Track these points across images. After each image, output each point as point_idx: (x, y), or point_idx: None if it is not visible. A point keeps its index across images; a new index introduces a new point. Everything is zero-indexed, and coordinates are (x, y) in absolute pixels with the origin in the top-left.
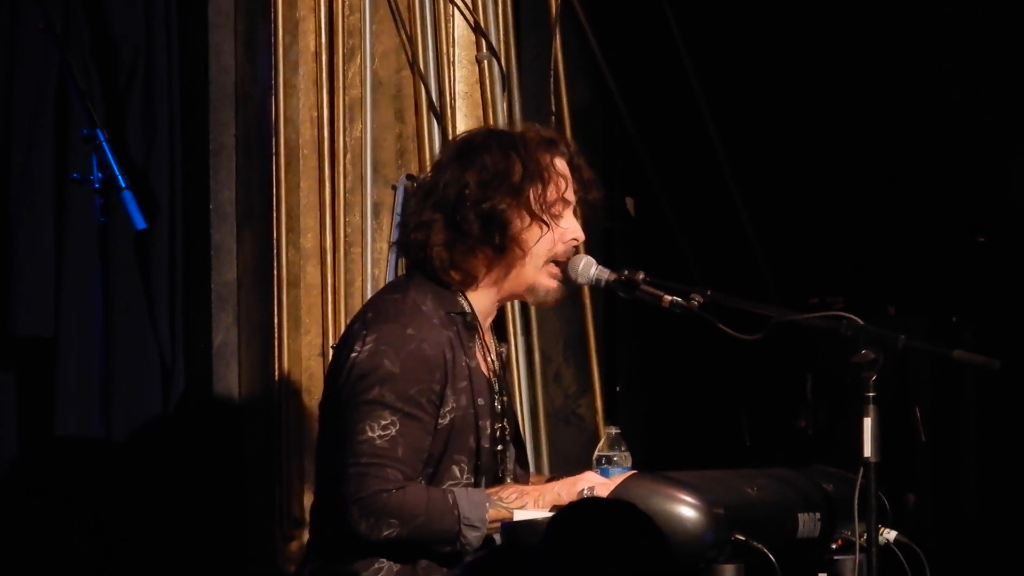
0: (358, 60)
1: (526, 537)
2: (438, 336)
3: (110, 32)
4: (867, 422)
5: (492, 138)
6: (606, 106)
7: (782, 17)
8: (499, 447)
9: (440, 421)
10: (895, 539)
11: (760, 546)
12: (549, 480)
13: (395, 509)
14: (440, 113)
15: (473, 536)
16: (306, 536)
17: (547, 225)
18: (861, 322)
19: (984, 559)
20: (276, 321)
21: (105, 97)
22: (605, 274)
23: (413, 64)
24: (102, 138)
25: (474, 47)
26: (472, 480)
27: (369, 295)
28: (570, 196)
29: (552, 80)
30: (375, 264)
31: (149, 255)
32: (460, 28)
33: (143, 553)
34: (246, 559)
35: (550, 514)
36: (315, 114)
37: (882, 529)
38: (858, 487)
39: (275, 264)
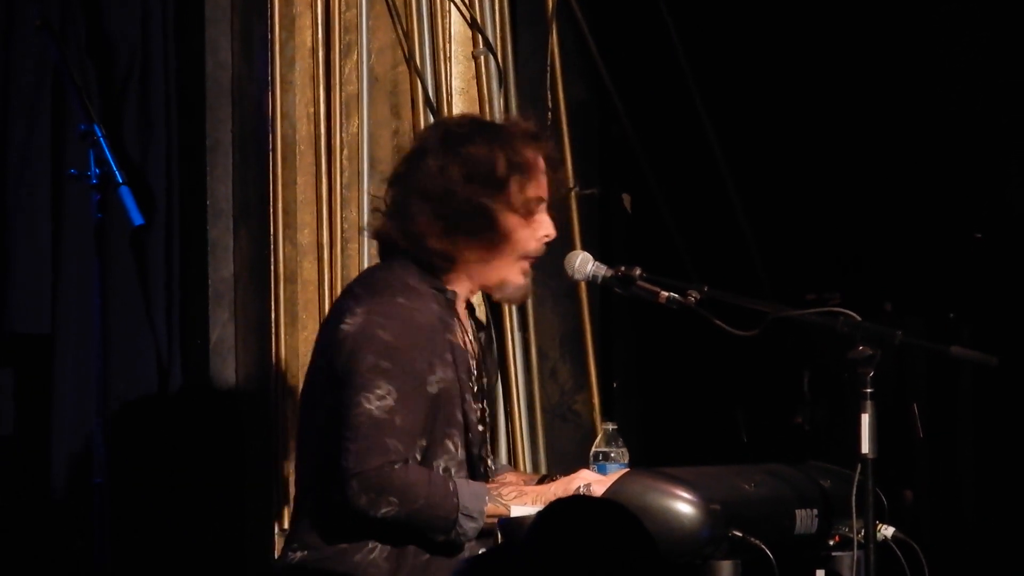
0: (354, 56)
1: (518, 533)
2: (428, 306)
3: (107, 28)
4: (864, 418)
5: (476, 128)
6: (602, 102)
7: (779, 14)
8: (480, 428)
9: (430, 390)
10: (892, 535)
11: (757, 542)
12: (542, 479)
13: (397, 487)
14: (436, 109)
15: (469, 527)
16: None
17: (524, 220)
18: (858, 318)
19: (981, 555)
20: (273, 317)
21: (102, 93)
22: (602, 270)
23: (409, 60)
24: (99, 134)
25: (470, 43)
26: (464, 456)
27: None
28: (544, 192)
29: (549, 76)
30: (371, 260)
31: (146, 251)
32: (456, 24)
33: (141, 549)
34: (244, 554)
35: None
36: (312, 110)
37: (879, 525)
38: (855, 483)
39: (272, 260)
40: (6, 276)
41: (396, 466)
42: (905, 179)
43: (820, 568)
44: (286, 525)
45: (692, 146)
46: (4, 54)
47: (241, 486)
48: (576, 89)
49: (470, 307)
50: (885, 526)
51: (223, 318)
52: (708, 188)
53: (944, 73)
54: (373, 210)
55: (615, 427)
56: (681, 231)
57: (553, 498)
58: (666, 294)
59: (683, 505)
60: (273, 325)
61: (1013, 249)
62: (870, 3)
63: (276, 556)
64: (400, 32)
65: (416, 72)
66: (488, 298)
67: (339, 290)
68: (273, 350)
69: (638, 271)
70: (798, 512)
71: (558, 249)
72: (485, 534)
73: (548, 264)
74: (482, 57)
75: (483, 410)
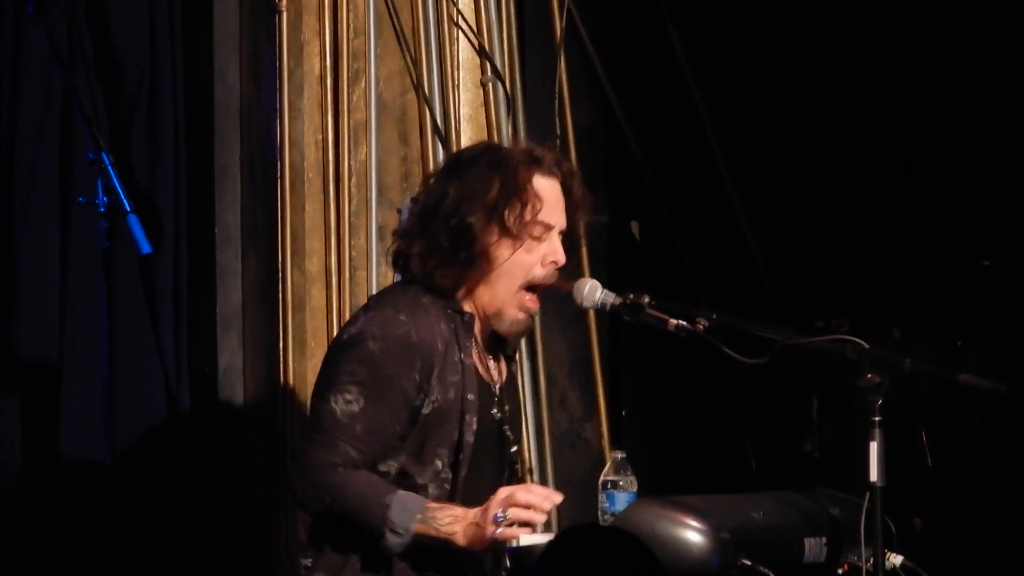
0: (363, 83)
1: (528, 562)
2: (432, 326)
3: (115, 55)
4: (873, 446)
5: (482, 154)
6: (611, 128)
7: (786, 38)
8: (512, 448)
9: (422, 411)
10: (901, 564)
11: (766, 570)
12: None
13: (330, 486)
14: (445, 136)
15: (395, 541)
16: (309, 560)
17: (519, 244)
18: (867, 345)
19: None
20: (281, 344)
21: (110, 120)
22: (610, 298)
23: (418, 87)
24: (107, 162)
25: (478, 70)
26: (450, 475)
27: None
28: (550, 218)
29: (557, 103)
30: (380, 287)
31: (154, 279)
32: (464, 51)
33: (148, 572)
34: None
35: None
36: (320, 137)
37: (888, 554)
38: (864, 511)
39: (280, 287)
40: (14, 302)
41: (338, 468)
42: (913, 206)
43: None
44: (291, 554)
45: (701, 172)
46: (13, 81)
47: (248, 512)
48: (584, 115)
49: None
50: (894, 554)
51: (231, 345)
52: (717, 214)
53: (954, 99)
54: (391, 231)
55: (624, 455)
56: (690, 257)
57: (475, 529)
58: (675, 322)
59: (692, 533)
60: (281, 352)
61: (1021, 276)
62: (881, 25)
63: None
64: (408, 59)
65: (424, 99)
66: None
67: (347, 317)
68: (281, 377)
69: (647, 299)
70: (807, 540)
71: (567, 276)
72: (493, 560)
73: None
74: (490, 84)
75: (508, 432)
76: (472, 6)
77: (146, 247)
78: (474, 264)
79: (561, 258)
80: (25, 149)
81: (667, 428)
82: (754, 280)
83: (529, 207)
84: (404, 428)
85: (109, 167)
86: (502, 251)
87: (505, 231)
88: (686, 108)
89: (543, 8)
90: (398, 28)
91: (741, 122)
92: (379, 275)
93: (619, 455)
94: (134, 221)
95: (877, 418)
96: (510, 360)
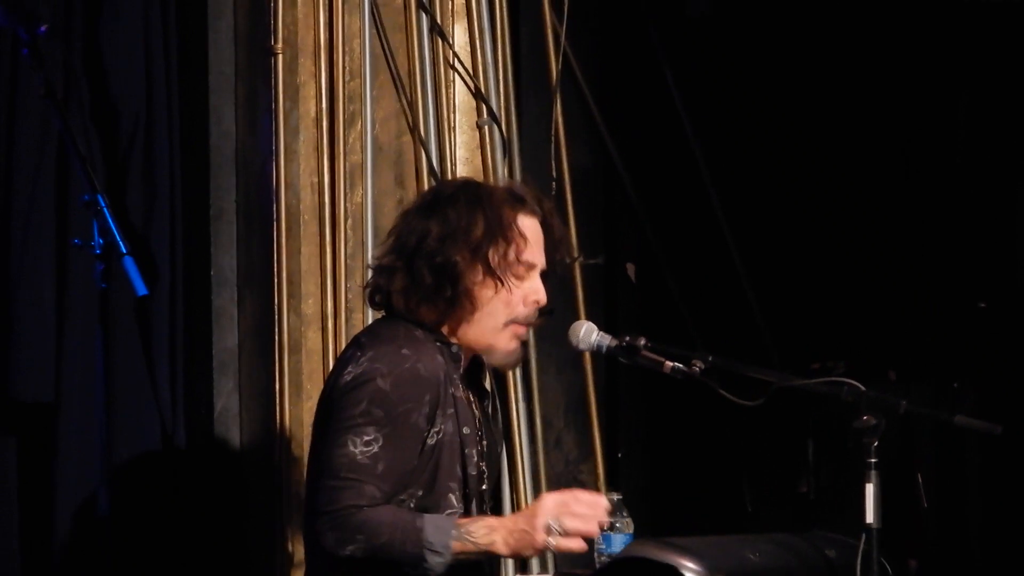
0: (359, 126)
1: None
2: (433, 359)
3: (111, 97)
4: (869, 487)
5: (462, 191)
6: (607, 171)
7: (781, 81)
8: (483, 486)
9: (428, 442)
10: None
11: None
12: None
13: (360, 525)
14: (441, 178)
15: (436, 561)
16: None
17: (503, 284)
18: (863, 388)
19: None
20: (277, 387)
21: (106, 162)
22: (606, 340)
23: (414, 129)
24: (103, 204)
25: (475, 112)
26: (462, 508)
27: None
28: (534, 258)
29: (553, 145)
30: None
31: (150, 321)
32: (461, 93)
33: None
34: None
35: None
36: (316, 179)
37: None
38: (860, 553)
39: (276, 330)
40: (10, 344)
41: (364, 508)
42: (910, 248)
43: None
44: None
45: (697, 214)
46: (8, 123)
47: (245, 554)
48: (580, 158)
49: (477, 372)
50: None
51: (227, 387)
52: (713, 257)
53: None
54: (368, 266)
55: (620, 497)
56: (686, 300)
57: (520, 534)
58: (671, 364)
59: (688, 575)
60: (277, 395)
61: (1017, 317)
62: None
63: None
64: (404, 102)
65: (420, 142)
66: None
67: None
68: (277, 419)
69: (643, 341)
70: None
71: (562, 318)
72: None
73: (552, 333)
74: (486, 127)
75: (482, 470)
76: (468, 49)
77: (142, 289)
78: (458, 303)
79: (543, 297)
80: (21, 191)
81: (663, 470)
82: (750, 322)
83: (513, 247)
84: (417, 461)
85: (105, 209)
86: (486, 291)
87: (489, 270)
88: (682, 150)
89: (539, 51)
90: (394, 70)
91: (736, 164)
92: (375, 318)
93: (615, 496)
94: (130, 263)
95: (873, 460)
96: (483, 395)
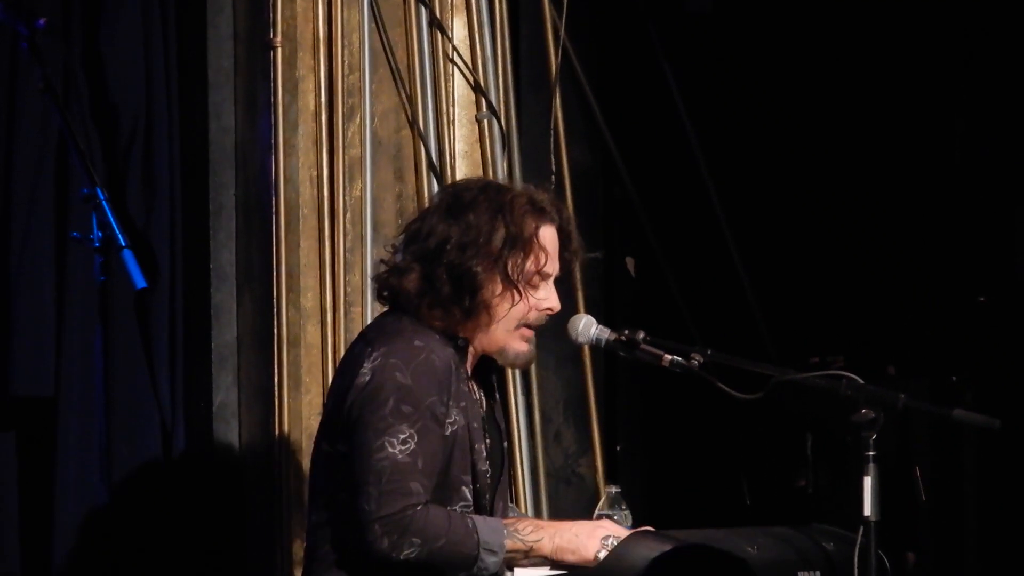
0: (358, 120)
1: None
2: (444, 350)
3: (110, 92)
4: (867, 481)
5: (483, 195)
6: (606, 166)
7: (780, 75)
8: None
9: (446, 433)
10: None
11: None
12: None
13: (418, 528)
14: (440, 173)
15: (491, 561)
16: None
17: (520, 294)
18: (861, 382)
19: None
20: (276, 381)
21: (105, 157)
22: (605, 334)
23: (413, 124)
24: (102, 197)
25: (474, 106)
26: (472, 503)
27: None
28: (550, 268)
29: (552, 140)
30: None
31: (149, 315)
32: (460, 87)
33: None
34: None
35: (551, 573)
36: (315, 173)
37: None
38: (858, 546)
39: (275, 324)
40: (9, 339)
41: (418, 508)
42: (908, 242)
43: None
44: None
45: (696, 209)
46: (7, 118)
47: (244, 550)
48: (579, 152)
49: (485, 369)
50: None
51: (226, 382)
52: (712, 251)
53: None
54: (378, 261)
55: (618, 490)
56: (685, 294)
57: (573, 537)
58: (669, 358)
59: None
60: (276, 389)
61: (1016, 311)
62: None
63: None
64: (403, 96)
65: (419, 136)
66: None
67: (342, 353)
68: (276, 414)
69: (642, 335)
70: (800, 575)
71: (562, 313)
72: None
73: (552, 328)
74: (485, 120)
75: (486, 471)
76: (467, 42)
77: (141, 282)
78: (475, 313)
79: (556, 306)
80: (21, 185)
81: (661, 463)
82: (748, 317)
83: (532, 258)
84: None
85: (104, 202)
86: (502, 302)
87: (507, 281)
88: (680, 145)
89: (538, 45)
90: (393, 64)
91: (735, 160)
92: (374, 311)
93: (614, 490)
94: (129, 256)
95: (871, 453)
96: (491, 393)
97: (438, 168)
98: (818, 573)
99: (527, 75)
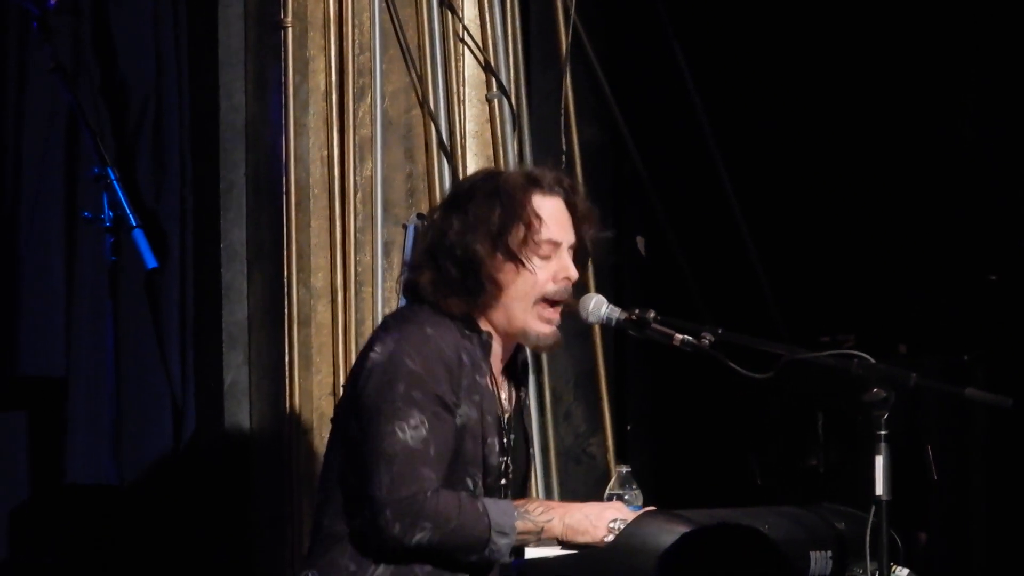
0: (368, 99)
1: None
2: (455, 340)
3: (120, 71)
4: (879, 460)
5: (480, 183)
6: (616, 145)
7: (791, 53)
8: (502, 481)
9: (456, 421)
10: None
11: None
12: None
13: (430, 512)
14: (450, 152)
15: (503, 543)
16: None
17: (525, 266)
18: (872, 360)
19: None
20: (287, 360)
21: (116, 136)
22: (616, 313)
23: (423, 103)
24: (113, 177)
25: (484, 86)
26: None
27: None
28: (555, 235)
29: (562, 119)
30: (386, 303)
31: (160, 294)
32: (470, 67)
33: None
34: None
35: (561, 552)
36: (325, 153)
37: (894, 567)
38: (870, 525)
39: (286, 303)
40: (19, 319)
41: (428, 494)
42: (920, 221)
43: None
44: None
45: (706, 188)
46: (18, 97)
47: (253, 529)
48: (590, 132)
49: (514, 364)
50: (899, 568)
51: (237, 361)
52: (722, 230)
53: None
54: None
55: (629, 469)
56: (695, 273)
57: (583, 518)
58: (680, 337)
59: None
60: (287, 368)
61: None
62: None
63: None
64: (414, 76)
65: (430, 115)
66: None
67: (353, 333)
68: (287, 393)
69: (652, 314)
70: (812, 554)
71: (572, 292)
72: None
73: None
74: (496, 100)
75: (507, 465)
76: (478, 22)
77: (152, 261)
78: (484, 290)
79: (573, 274)
80: (31, 164)
81: (672, 443)
82: (758, 296)
83: (531, 228)
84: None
85: (115, 182)
86: (508, 275)
87: (510, 255)
88: (691, 125)
89: (549, 24)
90: (404, 44)
91: (746, 138)
92: (384, 290)
93: (624, 469)
94: (139, 235)
95: (883, 432)
96: (520, 388)
97: (448, 148)
98: (829, 552)
99: (537, 54)
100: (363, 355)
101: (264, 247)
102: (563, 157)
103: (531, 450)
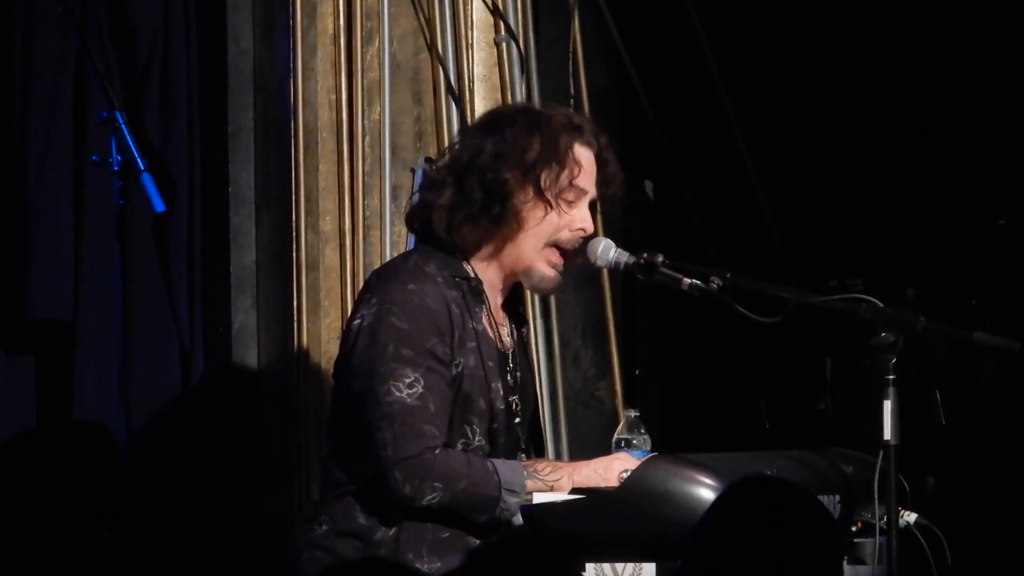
0: (376, 43)
1: (549, 521)
2: (440, 292)
3: (128, 15)
4: (887, 405)
5: (521, 114)
6: (624, 89)
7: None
8: (516, 420)
9: (450, 372)
10: (915, 521)
11: None
12: None
13: (439, 472)
14: (458, 96)
15: (513, 502)
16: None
17: (552, 207)
18: (880, 304)
19: (1003, 542)
20: (295, 304)
21: (124, 80)
22: (624, 257)
23: (431, 47)
24: (121, 121)
25: (492, 29)
26: (484, 443)
27: None
28: (585, 185)
29: (570, 63)
30: (394, 247)
31: (168, 238)
32: (478, 10)
33: (161, 536)
34: (264, 541)
35: (569, 497)
36: (333, 97)
37: (902, 511)
38: (878, 470)
39: (294, 247)
40: (28, 263)
41: (436, 451)
42: (927, 165)
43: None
44: (306, 512)
45: (714, 132)
46: (25, 42)
47: (261, 473)
48: (597, 75)
49: (514, 301)
50: (907, 512)
51: (245, 305)
52: (730, 175)
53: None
54: (417, 190)
55: (637, 414)
56: (703, 218)
57: (591, 473)
58: (688, 281)
59: (705, 491)
60: (295, 312)
61: None
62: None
63: (295, 539)
64: (422, 19)
65: (438, 59)
66: None
67: (361, 277)
68: (295, 337)
69: (660, 258)
70: (820, 498)
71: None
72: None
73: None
74: (504, 44)
75: (516, 403)
76: None
77: (160, 205)
78: (503, 221)
79: (590, 226)
80: (39, 109)
81: (680, 387)
82: (766, 240)
83: (567, 172)
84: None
85: (123, 126)
86: (534, 212)
87: (539, 192)
88: (700, 69)
89: None
90: None
91: (754, 83)
92: (393, 234)
93: (632, 414)
94: (148, 179)
95: (891, 377)
96: (521, 326)
97: (456, 92)
98: (838, 497)
99: None
100: (350, 319)
101: (272, 191)
102: (571, 100)
103: (539, 387)
